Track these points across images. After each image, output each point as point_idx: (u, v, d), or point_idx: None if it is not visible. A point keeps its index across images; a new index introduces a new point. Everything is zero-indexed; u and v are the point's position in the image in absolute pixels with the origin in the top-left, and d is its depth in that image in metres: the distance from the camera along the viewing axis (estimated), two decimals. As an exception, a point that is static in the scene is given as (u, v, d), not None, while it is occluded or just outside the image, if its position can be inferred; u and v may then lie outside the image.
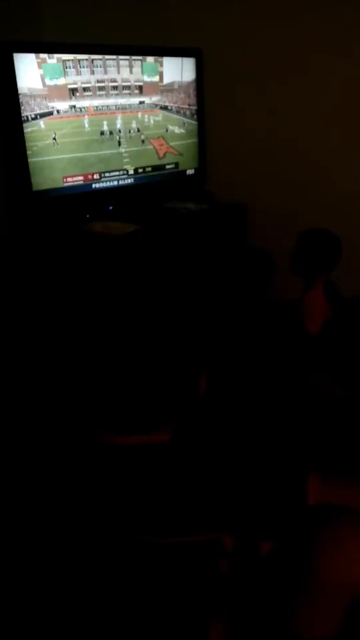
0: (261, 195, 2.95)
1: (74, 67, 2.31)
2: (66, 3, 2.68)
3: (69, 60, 2.28)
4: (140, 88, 2.61)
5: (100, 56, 2.40)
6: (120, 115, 2.56)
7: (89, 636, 1.06)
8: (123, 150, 2.62)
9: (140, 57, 2.56)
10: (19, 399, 2.08)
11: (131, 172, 2.68)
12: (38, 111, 2.22)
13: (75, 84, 2.34)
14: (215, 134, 2.96)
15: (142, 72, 2.60)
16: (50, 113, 2.27)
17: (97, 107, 2.46)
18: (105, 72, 2.45)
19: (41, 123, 2.24)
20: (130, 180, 2.67)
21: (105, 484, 1.02)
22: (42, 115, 2.24)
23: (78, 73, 2.34)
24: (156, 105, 2.71)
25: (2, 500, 1.55)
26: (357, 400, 1.89)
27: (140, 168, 2.71)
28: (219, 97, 2.91)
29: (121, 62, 2.50)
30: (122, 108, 2.56)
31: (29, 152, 2.21)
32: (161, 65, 2.67)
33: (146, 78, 2.63)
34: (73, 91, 2.34)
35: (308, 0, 2.69)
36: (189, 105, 2.85)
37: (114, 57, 2.45)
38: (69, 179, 2.40)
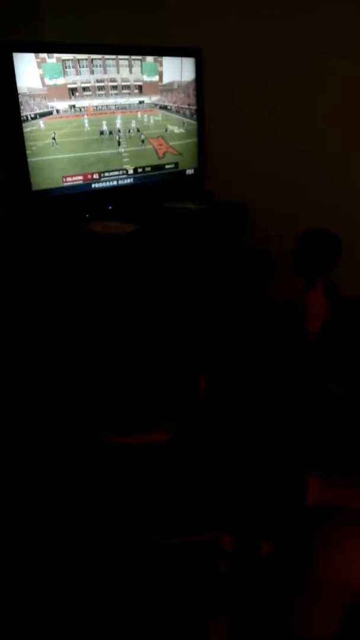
0: (261, 195, 2.95)
1: (73, 67, 2.31)
2: (66, 3, 2.68)
3: (68, 60, 2.28)
4: (139, 88, 2.61)
5: (99, 56, 2.40)
6: (119, 115, 2.56)
7: (88, 636, 1.06)
8: (122, 150, 2.62)
9: (139, 57, 2.56)
10: (19, 399, 2.08)
11: (131, 171, 2.67)
12: (37, 111, 2.22)
13: (75, 83, 2.34)
14: (215, 133, 2.96)
15: (142, 72, 2.60)
16: (50, 113, 2.27)
17: (96, 106, 2.46)
18: (105, 72, 2.45)
19: (41, 123, 2.24)
20: (129, 180, 2.67)
21: (105, 484, 1.01)
22: (42, 115, 2.24)
23: (77, 73, 2.34)
24: (156, 105, 2.71)
25: (1, 500, 1.55)
26: (357, 400, 1.89)
27: (139, 168, 2.71)
28: (218, 97, 2.91)
29: (121, 62, 2.49)
30: (122, 108, 2.56)
31: (28, 152, 2.21)
32: (161, 65, 2.67)
33: (146, 78, 2.62)
34: (72, 91, 2.34)
35: (308, 0, 2.69)
36: (189, 105, 2.85)
37: (113, 56, 2.45)
38: (69, 179, 2.40)
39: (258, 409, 1.82)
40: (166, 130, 2.80)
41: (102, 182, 2.55)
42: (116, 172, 2.60)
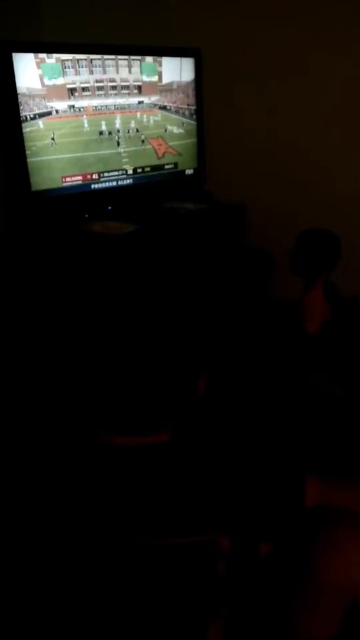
0: (260, 195, 2.95)
1: (72, 67, 2.31)
2: (65, 3, 2.68)
3: (67, 60, 2.28)
4: (139, 88, 2.61)
5: (99, 56, 2.39)
6: (119, 115, 2.56)
7: (88, 636, 1.06)
8: (122, 150, 2.61)
9: (139, 57, 2.56)
10: (18, 399, 2.08)
11: (130, 172, 2.67)
12: (37, 111, 2.22)
13: (74, 83, 2.34)
14: (215, 134, 2.96)
15: (141, 72, 2.60)
16: (49, 113, 2.27)
17: (95, 107, 2.45)
18: (104, 72, 2.44)
19: (40, 123, 2.24)
20: (129, 180, 2.67)
21: (105, 485, 1.01)
22: (41, 115, 2.24)
23: (77, 73, 2.34)
24: (155, 105, 2.71)
25: (1, 500, 1.55)
26: (356, 400, 1.89)
27: (139, 168, 2.71)
28: (218, 97, 2.91)
29: (120, 62, 2.49)
30: (121, 108, 2.56)
31: (27, 152, 2.21)
32: (160, 65, 2.66)
33: (145, 78, 2.62)
34: (72, 91, 2.34)
35: (308, 0, 2.69)
36: (188, 105, 2.85)
37: (112, 57, 2.45)
38: (68, 179, 2.40)
39: (257, 410, 1.81)
40: (165, 130, 2.79)
41: (101, 182, 2.55)
42: (115, 172, 2.60)
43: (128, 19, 2.73)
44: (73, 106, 2.36)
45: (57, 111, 2.30)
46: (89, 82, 2.40)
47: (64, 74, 2.28)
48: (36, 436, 1.81)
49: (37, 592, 1.22)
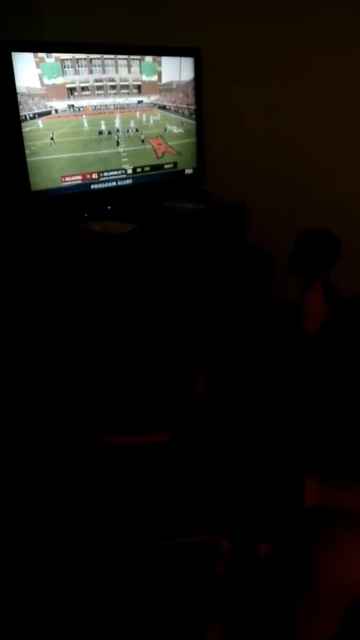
0: (260, 195, 2.94)
1: (72, 67, 2.31)
2: (65, 3, 2.68)
3: (67, 59, 2.28)
4: (138, 87, 2.61)
5: (98, 55, 2.39)
6: (118, 115, 2.56)
7: (87, 636, 1.05)
8: (121, 149, 2.61)
9: (138, 57, 2.56)
10: (18, 399, 2.07)
11: (129, 171, 2.67)
12: (36, 110, 2.22)
13: (74, 83, 2.34)
14: (214, 133, 2.96)
15: (141, 72, 2.60)
16: (49, 112, 2.27)
17: (95, 106, 2.45)
18: (104, 72, 2.44)
19: (39, 122, 2.24)
20: (128, 180, 2.67)
21: (104, 485, 1.01)
22: (40, 115, 2.24)
23: (76, 72, 2.33)
24: (154, 104, 2.71)
25: (1, 500, 1.55)
26: (356, 400, 1.89)
27: (138, 168, 2.71)
28: (217, 97, 2.91)
29: (119, 62, 2.49)
30: (121, 107, 2.56)
31: (27, 152, 2.21)
32: (159, 64, 2.66)
33: (144, 77, 2.62)
34: (71, 90, 2.33)
35: (308, 0, 2.69)
36: (188, 104, 2.85)
37: (112, 56, 2.45)
38: (67, 179, 2.40)
39: (257, 410, 1.81)
40: (165, 130, 2.79)
41: (101, 181, 2.54)
42: (115, 172, 2.60)
43: (128, 19, 2.73)
44: (72, 106, 2.36)
45: (56, 111, 2.30)
46: (88, 82, 2.39)
47: (63, 73, 2.28)
48: (36, 436, 1.81)
49: (37, 591, 1.22)
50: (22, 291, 2.28)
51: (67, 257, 2.30)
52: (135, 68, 2.56)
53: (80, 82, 2.36)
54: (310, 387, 1.90)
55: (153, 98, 2.69)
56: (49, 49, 2.22)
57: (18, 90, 2.13)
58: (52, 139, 2.29)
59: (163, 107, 2.75)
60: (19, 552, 1.34)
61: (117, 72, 2.49)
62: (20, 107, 2.15)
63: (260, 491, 1.02)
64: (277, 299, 2.13)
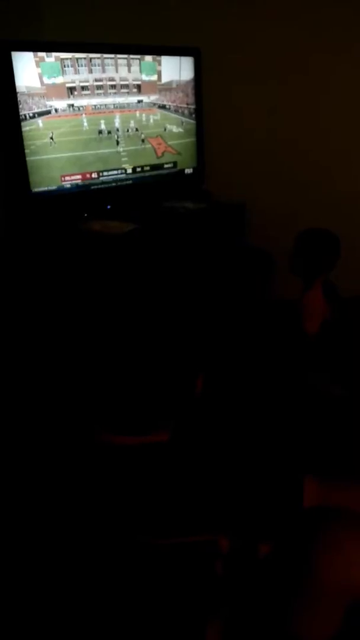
0: (260, 195, 2.94)
1: (72, 66, 2.30)
2: (65, 2, 2.67)
3: (67, 59, 2.27)
4: (138, 87, 2.61)
5: (98, 55, 2.39)
6: (118, 114, 2.56)
7: (86, 637, 1.05)
8: (121, 149, 2.61)
9: (138, 56, 2.56)
10: (18, 399, 2.07)
11: (129, 171, 2.67)
12: (36, 110, 2.21)
13: (74, 82, 2.33)
14: (214, 133, 2.96)
15: (141, 71, 2.60)
16: (48, 112, 2.27)
17: (95, 106, 2.45)
18: (104, 71, 2.44)
19: (39, 122, 2.23)
20: (128, 180, 2.67)
21: (104, 484, 1.01)
22: (40, 114, 2.23)
23: (76, 72, 2.33)
24: (154, 104, 2.71)
25: (1, 500, 1.54)
26: (356, 400, 1.89)
27: (138, 167, 2.70)
28: (217, 97, 2.91)
29: (119, 61, 2.49)
30: (120, 107, 2.56)
31: (27, 151, 2.21)
32: (159, 64, 2.66)
33: (144, 77, 2.62)
34: (71, 90, 2.33)
35: (308, 0, 2.69)
36: (187, 104, 2.85)
37: (112, 56, 2.45)
38: (67, 178, 2.39)
39: (256, 410, 1.81)
40: (165, 129, 2.79)
41: (100, 181, 2.54)
42: (115, 172, 2.60)
43: (128, 19, 2.73)
44: (72, 105, 2.36)
45: (56, 110, 2.29)
46: (88, 81, 2.39)
47: (63, 72, 2.28)
48: (36, 436, 1.80)
49: (36, 591, 1.21)
50: (22, 290, 2.28)
51: (67, 256, 2.30)
52: (135, 67, 2.56)
53: (80, 82, 2.36)
54: (310, 387, 1.90)
55: (153, 97, 2.69)
56: (49, 48, 2.22)
57: (18, 89, 2.13)
58: (51, 138, 2.29)
59: (163, 107, 2.75)
60: (19, 552, 1.34)
61: (117, 71, 2.49)
62: (20, 106, 2.15)
63: (260, 491, 1.02)
64: (277, 299, 2.13)
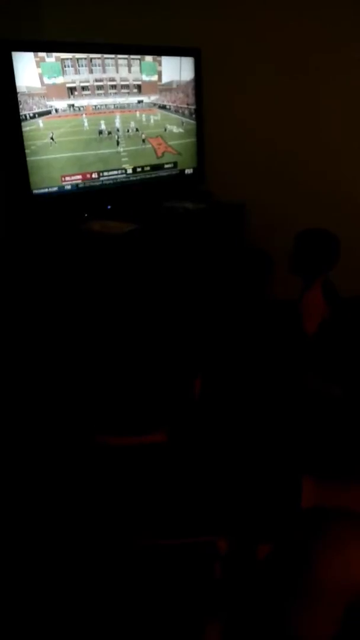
0: (260, 195, 2.95)
1: (72, 66, 2.31)
2: (65, 2, 2.68)
3: (67, 59, 2.28)
4: (138, 87, 2.61)
5: (98, 55, 2.39)
6: (118, 115, 2.56)
7: (86, 637, 1.06)
8: (121, 149, 2.61)
9: (138, 57, 2.56)
10: (16, 399, 2.07)
11: (129, 171, 2.67)
12: (36, 110, 2.22)
13: (74, 82, 2.34)
14: (214, 133, 2.96)
15: (141, 71, 2.60)
16: (49, 112, 2.27)
17: (95, 106, 2.45)
18: (104, 71, 2.44)
19: (39, 122, 2.24)
20: (128, 180, 2.67)
21: (103, 486, 1.01)
22: (41, 114, 2.24)
23: (76, 72, 2.33)
24: (155, 104, 2.71)
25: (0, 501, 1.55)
26: (355, 400, 1.89)
27: (138, 167, 2.71)
28: (217, 97, 2.91)
29: (120, 61, 2.49)
30: (121, 107, 2.56)
31: (27, 151, 2.21)
32: (160, 64, 2.66)
33: (145, 77, 2.62)
34: (71, 90, 2.33)
35: (308, 0, 2.69)
36: (188, 104, 2.85)
37: (112, 56, 2.45)
38: (67, 178, 2.40)
39: (255, 411, 1.81)
40: (165, 129, 2.79)
41: (101, 181, 2.54)
42: (115, 172, 2.60)
43: (128, 19, 2.73)
44: (73, 105, 2.36)
45: (56, 110, 2.30)
46: (88, 81, 2.39)
47: (63, 73, 2.28)
48: (35, 437, 1.80)
49: (36, 592, 1.22)
50: (22, 290, 2.28)
51: (67, 256, 2.30)
52: (135, 68, 2.56)
53: (81, 82, 2.36)
54: (310, 388, 1.90)
55: (153, 98, 2.69)
56: (49, 48, 2.22)
57: (18, 89, 2.13)
58: (52, 138, 2.29)
59: (163, 107, 2.75)
60: (19, 553, 1.34)
61: (117, 71, 2.49)
62: (21, 106, 2.15)
63: (258, 492, 1.02)
64: (276, 299, 2.13)
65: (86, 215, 2.49)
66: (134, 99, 2.61)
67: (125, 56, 2.50)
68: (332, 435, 1.75)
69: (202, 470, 1.01)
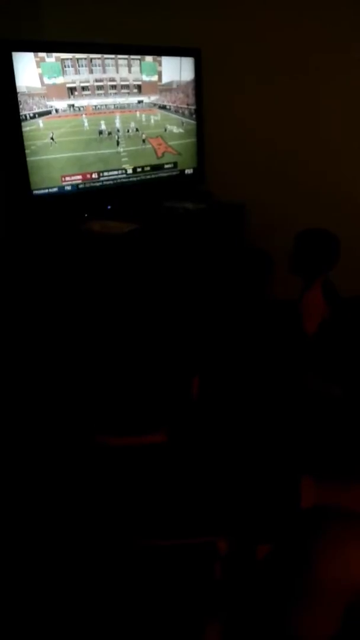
0: (259, 195, 2.95)
1: (72, 66, 2.31)
2: (65, 2, 2.68)
3: (67, 59, 2.28)
4: (138, 87, 2.61)
5: (98, 55, 2.39)
6: (118, 115, 2.56)
7: (85, 637, 1.06)
8: (121, 149, 2.61)
9: (138, 57, 2.56)
10: (16, 399, 2.07)
11: (130, 171, 2.67)
12: (36, 110, 2.22)
13: (74, 83, 2.34)
14: (214, 133, 2.96)
15: (141, 72, 2.60)
16: (49, 112, 2.27)
17: (95, 106, 2.45)
18: (104, 71, 2.44)
19: (39, 122, 2.24)
20: (128, 180, 2.67)
21: (103, 486, 1.01)
22: (41, 114, 2.24)
23: (77, 72, 2.33)
24: (155, 104, 2.71)
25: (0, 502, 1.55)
26: (355, 400, 1.89)
27: (138, 167, 2.71)
28: (217, 97, 2.91)
29: (120, 62, 2.49)
30: (121, 107, 2.56)
31: (27, 151, 2.21)
32: (160, 64, 2.66)
33: (145, 77, 2.62)
34: (71, 90, 2.33)
35: (308, 0, 2.69)
36: (188, 104, 2.85)
37: (112, 56, 2.45)
38: (67, 178, 2.40)
39: (255, 411, 1.81)
40: (165, 129, 2.79)
41: (101, 181, 2.54)
42: (115, 172, 2.60)
43: (128, 19, 2.73)
44: (73, 105, 2.36)
45: (56, 110, 2.30)
46: (88, 82, 2.39)
47: (63, 73, 2.28)
48: (35, 438, 1.81)
49: (36, 592, 1.22)
50: (22, 290, 2.28)
51: (67, 256, 2.30)
52: (135, 68, 2.56)
53: (81, 82, 2.36)
54: (310, 388, 1.90)
55: (153, 98, 2.69)
56: (49, 48, 2.22)
57: (18, 89, 2.13)
58: (52, 138, 2.29)
59: (163, 107, 2.75)
60: (18, 553, 1.34)
61: (117, 72, 2.49)
62: (21, 106, 2.15)
63: (257, 492, 1.02)
64: (276, 299, 2.13)
65: (86, 215, 2.49)
66: (134, 99, 2.61)
67: (125, 56, 2.50)
68: (332, 435, 1.75)
69: (201, 471, 1.01)
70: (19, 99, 2.14)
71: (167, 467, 1.01)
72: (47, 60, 2.21)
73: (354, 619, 1.04)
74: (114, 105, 2.53)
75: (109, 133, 2.54)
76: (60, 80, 2.28)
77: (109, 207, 2.59)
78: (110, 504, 0.99)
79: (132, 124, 2.64)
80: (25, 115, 2.18)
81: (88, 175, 2.49)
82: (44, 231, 2.32)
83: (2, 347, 2.22)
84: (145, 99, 2.65)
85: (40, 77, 2.20)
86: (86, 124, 2.43)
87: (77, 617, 1.06)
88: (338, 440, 1.74)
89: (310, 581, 0.99)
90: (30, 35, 2.44)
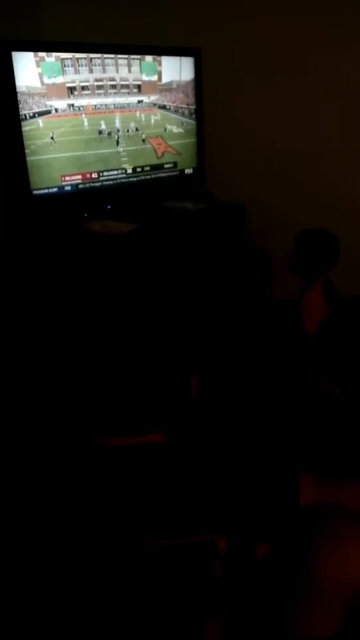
0: (259, 195, 2.95)
1: (72, 66, 2.31)
2: (65, 2, 2.68)
3: (67, 58, 2.28)
4: (138, 87, 2.61)
5: (98, 55, 2.39)
6: (118, 114, 2.56)
7: (85, 637, 1.05)
8: (121, 149, 2.61)
9: (138, 56, 2.56)
10: (16, 399, 2.07)
11: (129, 171, 2.67)
12: (36, 110, 2.22)
13: (74, 82, 2.34)
14: (214, 133, 2.96)
15: (141, 71, 2.60)
16: (49, 112, 2.27)
17: (95, 106, 2.45)
18: (104, 71, 2.44)
19: (39, 122, 2.24)
20: (128, 180, 2.67)
21: (102, 486, 1.01)
22: (40, 114, 2.24)
23: (76, 72, 2.33)
24: (155, 104, 2.71)
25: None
26: (355, 400, 1.89)
27: (138, 167, 2.71)
28: (217, 97, 2.91)
29: (120, 61, 2.49)
30: (121, 107, 2.56)
31: (27, 151, 2.21)
32: (160, 64, 2.66)
33: (145, 77, 2.62)
34: (71, 90, 2.33)
35: (308, 0, 2.69)
36: (188, 104, 2.85)
37: (112, 56, 2.45)
38: (67, 178, 2.40)
39: (253, 410, 1.81)
40: (165, 129, 2.79)
41: (100, 181, 2.54)
42: (115, 172, 2.60)
43: (128, 19, 2.73)
44: (72, 105, 2.36)
45: (56, 110, 2.30)
46: (88, 81, 2.39)
47: (63, 72, 2.28)
48: (35, 438, 1.80)
49: (36, 592, 1.21)
50: (22, 290, 2.28)
51: (67, 256, 2.30)
52: (135, 68, 2.56)
53: (81, 82, 2.36)
54: (310, 388, 1.90)
55: (153, 98, 2.69)
56: (49, 48, 2.22)
57: (18, 89, 2.13)
58: (52, 138, 2.29)
59: (163, 107, 2.75)
60: (18, 553, 1.34)
61: (117, 71, 2.49)
62: (20, 106, 2.15)
63: (257, 490, 1.02)
64: (276, 299, 2.13)
65: (86, 215, 2.49)
66: (134, 99, 2.61)
67: (125, 56, 2.50)
68: (332, 435, 1.74)
69: (200, 470, 1.01)
70: (18, 98, 2.14)
71: (166, 467, 1.00)
72: (47, 59, 2.21)
73: (354, 619, 1.04)
74: (114, 105, 2.53)
75: (109, 133, 2.54)
76: (60, 79, 2.28)
77: (109, 207, 2.59)
78: (110, 504, 0.99)
79: (132, 124, 2.64)
80: (25, 115, 2.17)
81: (88, 175, 2.48)
82: (43, 231, 2.32)
83: (2, 347, 2.22)
84: (145, 98, 2.65)
85: (40, 76, 2.20)
86: (86, 123, 2.43)
87: (77, 617, 1.05)
88: (338, 439, 1.74)
89: (310, 580, 0.99)
90: (30, 35, 2.44)
